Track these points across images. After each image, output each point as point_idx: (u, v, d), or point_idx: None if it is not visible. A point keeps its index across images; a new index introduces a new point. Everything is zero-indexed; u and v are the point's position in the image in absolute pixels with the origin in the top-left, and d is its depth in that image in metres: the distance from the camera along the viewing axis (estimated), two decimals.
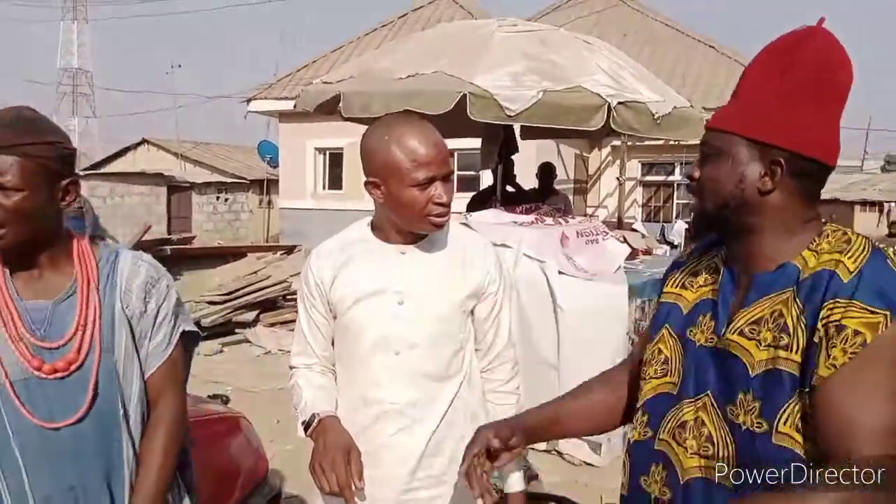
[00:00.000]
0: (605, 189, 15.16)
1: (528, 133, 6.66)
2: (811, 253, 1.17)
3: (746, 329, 1.18)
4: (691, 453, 1.22)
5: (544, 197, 6.41)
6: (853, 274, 1.09)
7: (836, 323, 1.07)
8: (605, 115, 4.47)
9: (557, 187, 7.28)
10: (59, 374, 1.37)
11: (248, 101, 15.10)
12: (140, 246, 9.34)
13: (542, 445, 4.46)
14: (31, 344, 1.36)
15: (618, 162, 12.82)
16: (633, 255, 5.61)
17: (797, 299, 1.14)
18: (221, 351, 7.21)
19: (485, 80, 4.47)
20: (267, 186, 20.19)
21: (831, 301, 1.09)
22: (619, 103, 4.51)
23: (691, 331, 1.28)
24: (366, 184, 1.60)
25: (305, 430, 1.62)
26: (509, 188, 6.43)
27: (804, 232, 1.20)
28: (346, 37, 15.88)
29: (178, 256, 10.15)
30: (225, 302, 7.60)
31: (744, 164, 1.20)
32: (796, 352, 1.11)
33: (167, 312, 1.51)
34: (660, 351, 1.33)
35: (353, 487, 1.49)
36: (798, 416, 1.11)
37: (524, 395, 4.89)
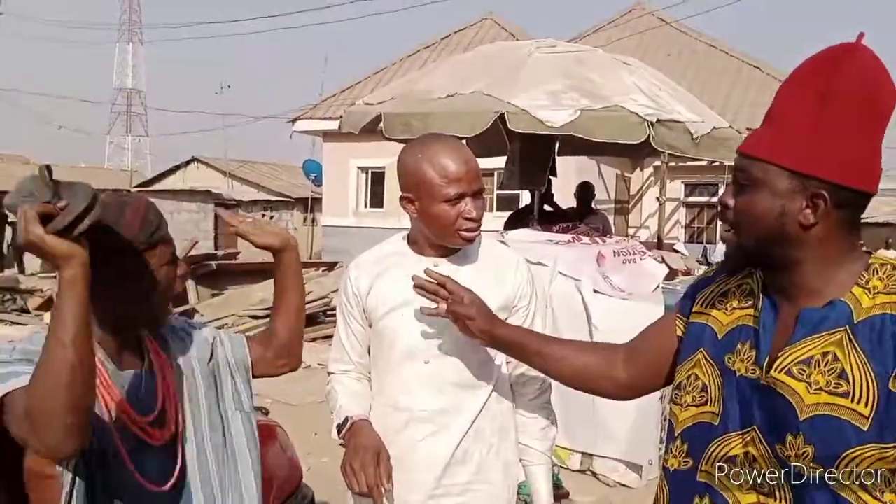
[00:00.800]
0: (647, 209, 15.03)
1: (565, 150, 6.67)
2: (862, 291, 1.13)
3: (795, 369, 1.13)
4: (747, 489, 1.18)
5: (583, 216, 6.41)
6: None
7: None
8: (646, 132, 4.48)
9: (598, 207, 7.27)
10: (162, 441, 1.43)
11: (294, 120, 15.42)
12: (187, 261, 9.58)
13: (577, 465, 4.44)
14: (136, 414, 1.41)
15: (660, 182, 12.71)
16: (673, 275, 5.57)
17: (855, 344, 1.10)
18: None
19: (522, 99, 4.52)
20: (311, 204, 20.52)
21: None
22: (658, 121, 4.51)
23: (729, 358, 1.23)
24: (401, 199, 1.68)
25: (339, 432, 1.69)
26: (547, 207, 6.45)
27: (849, 263, 1.16)
28: (390, 58, 16.11)
29: (223, 271, 10.38)
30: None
31: (784, 197, 1.13)
32: (862, 402, 1.08)
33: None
34: (696, 377, 1.28)
35: (382, 489, 1.55)
36: (864, 468, 1.07)
37: (559, 412, 4.86)
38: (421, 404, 1.65)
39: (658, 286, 4.89)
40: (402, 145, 6.61)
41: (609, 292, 4.60)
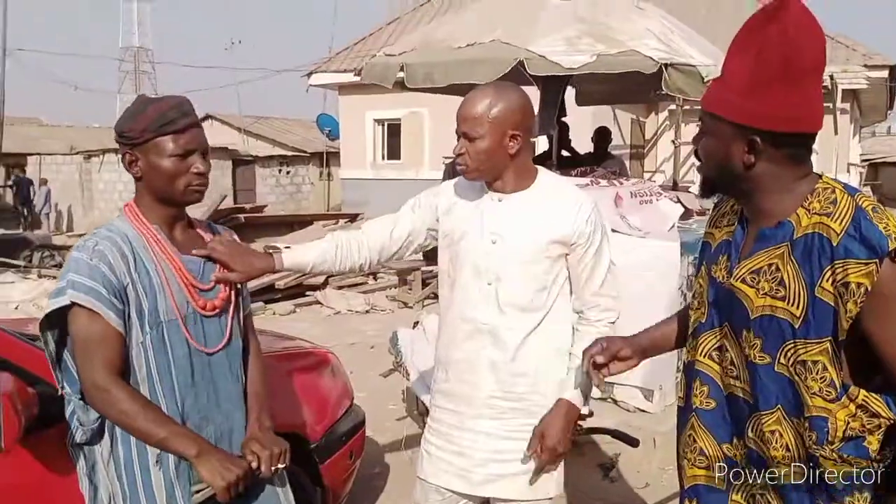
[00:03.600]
0: (662, 154, 15.05)
1: (585, 99, 6.79)
2: (804, 211, 1.35)
3: (748, 277, 1.40)
4: (724, 374, 1.48)
5: (599, 161, 6.56)
6: (840, 236, 1.28)
7: (843, 282, 1.27)
8: (658, 74, 4.63)
9: (614, 152, 7.41)
10: (215, 311, 1.74)
11: (309, 74, 15.48)
12: (217, 214, 9.90)
13: (597, 393, 4.73)
14: (196, 288, 1.72)
15: (675, 126, 12.75)
16: (688, 215, 5.75)
17: (792, 257, 1.34)
18: (294, 311, 7.71)
19: (539, 45, 4.68)
20: (326, 159, 20.70)
21: (829, 266, 1.28)
22: (671, 66, 4.66)
23: (714, 268, 1.50)
24: None
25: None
26: (564, 153, 6.61)
27: (798, 188, 1.37)
28: (402, 8, 16.03)
29: (250, 224, 10.69)
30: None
31: (728, 143, 1.36)
32: (795, 305, 1.33)
33: None
34: (700, 285, 1.55)
35: None
36: (796, 357, 1.33)
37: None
38: (483, 318, 1.89)
39: (674, 225, 5.09)
40: (417, 95, 6.87)
41: (626, 232, 4.81)
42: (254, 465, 1.67)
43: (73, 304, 1.55)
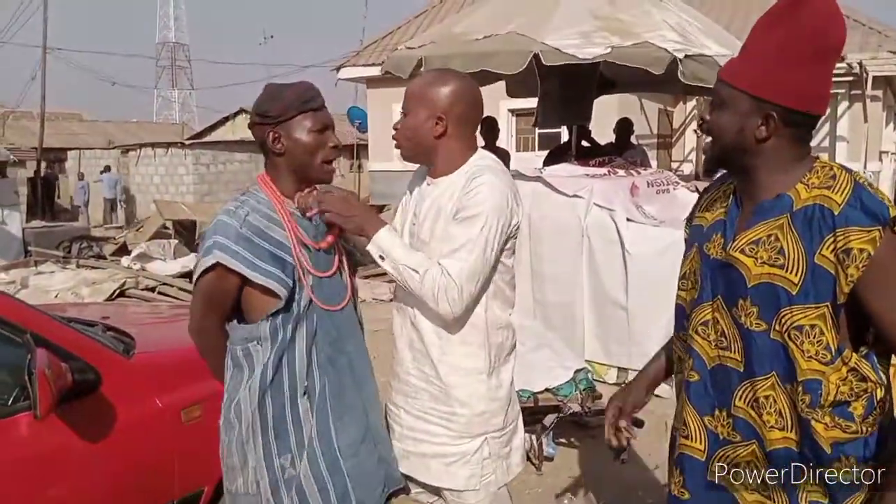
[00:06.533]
0: (689, 144, 14.96)
1: (605, 90, 6.80)
2: (803, 186, 1.41)
3: (746, 248, 1.45)
4: (713, 346, 1.53)
5: (621, 151, 6.60)
6: (842, 205, 1.35)
7: (844, 248, 1.34)
8: (672, 65, 4.67)
9: (641, 142, 7.41)
10: (332, 273, 1.88)
11: (338, 68, 15.66)
12: None
13: (613, 379, 4.83)
14: (306, 246, 1.84)
15: (698, 115, 12.66)
16: None
17: (792, 227, 1.40)
18: None
19: (555, 39, 4.76)
20: (356, 151, 20.89)
21: (830, 234, 1.35)
22: (686, 56, 4.70)
23: (706, 246, 1.55)
24: None
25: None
26: (585, 143, 6.67)
27: (798, 168, 1.44)
28: (430, 1, 16.14)
29: None
30: None
31: (743, 115, 1.41)
32: (793, 273, 1.39)
33: None
34: (692, 266, 1.61)
35: None
36: (792, 323, 1.39)
37: (597, 333, 5.23)
38: (402, 297, 1.95)
39: None
40: None
41: (641, 220, 4.88)
42: None
43: (218, 263, 1.73)
